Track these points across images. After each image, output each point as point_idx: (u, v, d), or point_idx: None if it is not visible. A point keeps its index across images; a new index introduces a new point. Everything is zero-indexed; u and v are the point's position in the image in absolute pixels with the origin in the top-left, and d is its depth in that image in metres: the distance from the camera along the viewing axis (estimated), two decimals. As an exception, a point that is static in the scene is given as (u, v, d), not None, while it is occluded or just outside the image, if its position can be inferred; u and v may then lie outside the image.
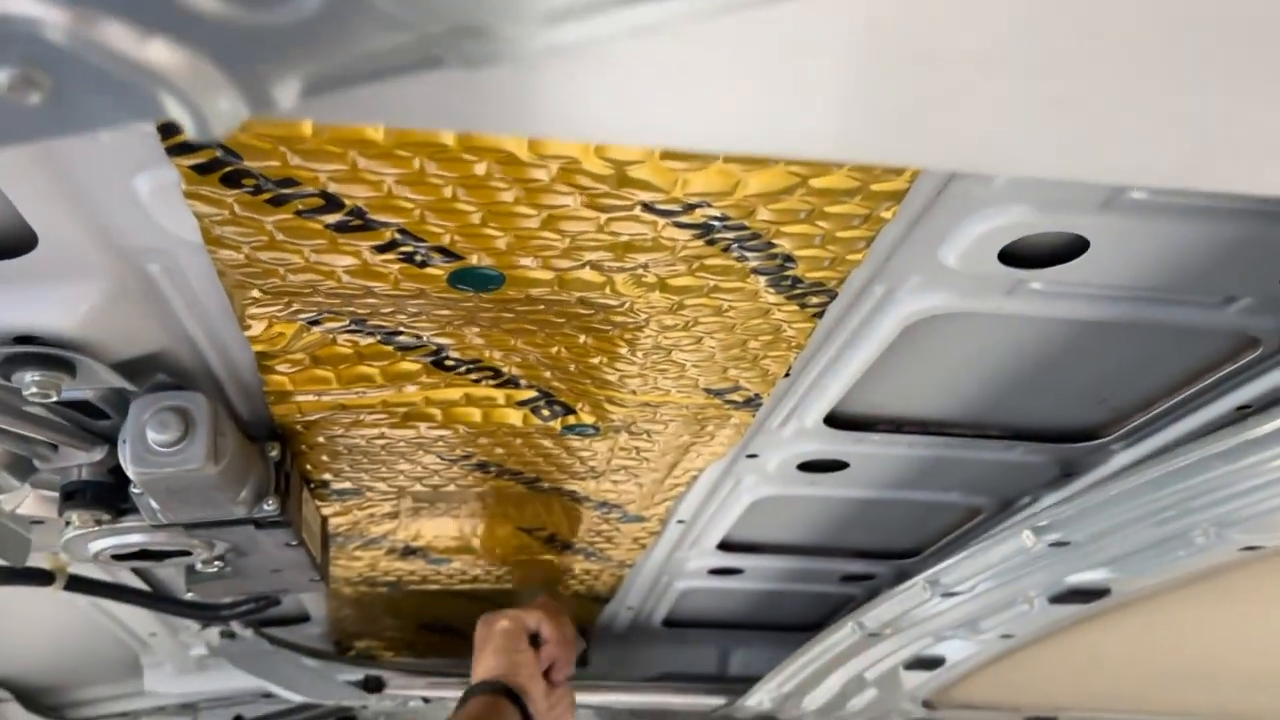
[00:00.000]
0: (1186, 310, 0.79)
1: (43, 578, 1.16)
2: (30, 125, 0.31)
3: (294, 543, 1.00)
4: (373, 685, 1.74)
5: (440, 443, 1.02)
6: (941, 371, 0.95)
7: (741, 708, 1.81)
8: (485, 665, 1.33)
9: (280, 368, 0.84)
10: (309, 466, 1.05)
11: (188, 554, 1.00)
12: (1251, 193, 0.33)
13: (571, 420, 0.98)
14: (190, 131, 0.30)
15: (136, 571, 1.34)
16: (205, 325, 0.78)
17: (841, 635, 1.34)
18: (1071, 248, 0.70)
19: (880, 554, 1.46)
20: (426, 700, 1.83)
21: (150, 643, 1.70)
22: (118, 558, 0.98)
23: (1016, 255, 0.71)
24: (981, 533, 1.27)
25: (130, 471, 0.80)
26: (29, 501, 1.00)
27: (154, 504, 0.88)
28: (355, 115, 0.34)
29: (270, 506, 0.93)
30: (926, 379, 0.97)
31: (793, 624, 1.81)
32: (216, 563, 1.05)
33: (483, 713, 1.25)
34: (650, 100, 0.32)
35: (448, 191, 0.60)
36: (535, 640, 1.36)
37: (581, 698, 1.93)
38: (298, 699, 1.74)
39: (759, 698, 1.71)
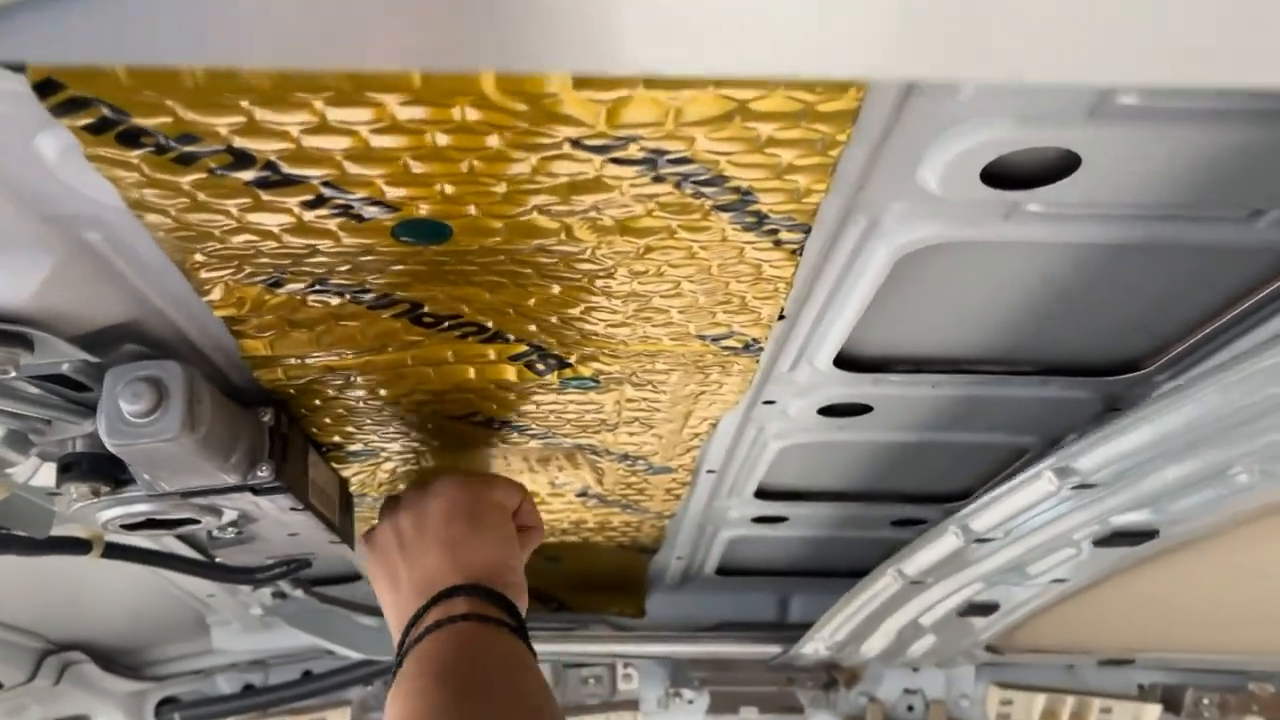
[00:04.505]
0: (1209, 227, 0.71)
1: (80, 546, 1.18)
2: None
3: (299, 507, 0.99)
4: (427, 641, 1.75)
5: (440, 401, 0.99)
6: (957, 306, 0.89)
7: (799, 655, 1.78)
8: (468, 554, 0.92)
9: (253, 332, 0.82)
10: (314, 430, 1.04)
11: (196, 521, 0.99)
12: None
13: (569, 373, 0.95)
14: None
15: (179, 536, 1.36)
16: (167, 293, 0.76)
17: (884, 583, 1.29)
18: (1064, 164, 0.63)
19: (929, 498, 1.40)
20: (480, 654, 1.84)
21: (210, 603, 1.74)
22: (127, 527, 0.98)
23: (1004, 176, 0.65)
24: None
25: (107, 443, 0.79)
26: (44, 473, 1.01)
27: (145, 474, 0.88)
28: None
29: (264, 472, 0.92)
30: (943, 315, 0.91)
31: (850, 569, 1.76)
32: (231, 529, 1.05)
33: (472, 646, 0.84)
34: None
35: (359, 138, 0.56)
36: None
37: (640, 648, 1.93)
38: (354, 655, 1.76)
39: (814, 645, 1.68)
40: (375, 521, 1.05)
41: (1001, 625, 1.53)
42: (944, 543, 1.08)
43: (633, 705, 2.03)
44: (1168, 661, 2.05)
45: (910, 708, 2.08)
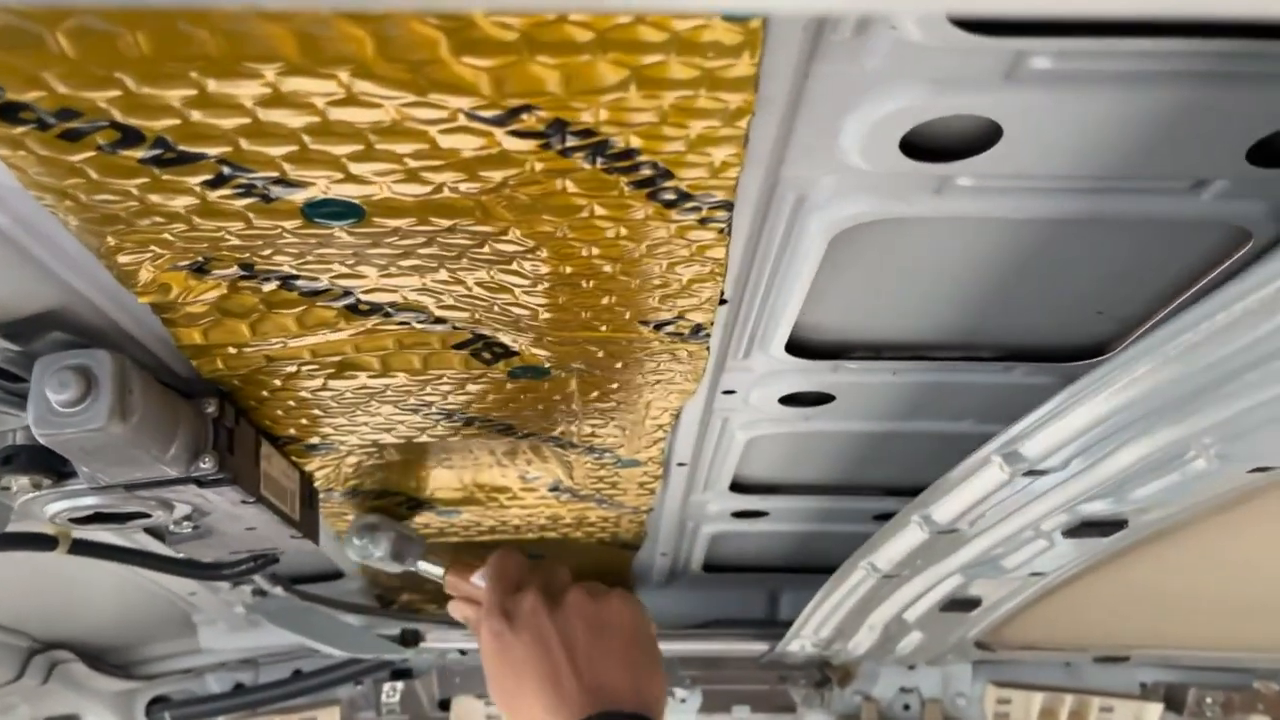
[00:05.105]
0: (1152, 200, 0.68)
1: (46, 543, 1.17)
2: None
3: (249, 499, 0.98)
4: (409, 639, 1.74)
5: (390, 392, 0.98)
6: (906, 288, 0.87)
7: (787, 653, 1.75)
8: (645, 683, 1.01)
9: (185, 321, 0.81)
10: (268, 423, 1.02)
11: (147, 515, 0.98)
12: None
13: (516, 363, 0.93)
14: None
15: (150, 531, 1.35)
16: (92, 280, 0.75)
17: (857, 577, 1.26)
18: (986, 135, 0.61)
19: (908, 490, 1.37)
20: (463, 653, 1.83)
21: (193, 601, 1.73)
22: (75, 521, 0.97)
23: (928, 148, 0.63)
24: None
25: (35, 433, 0.78)
26: (-5, 468, 1.00)
27: (83, 466, 0.87)
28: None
29: (207, 464, 0.91)
30: (893, 298, 0.88)
31: (838, 566, 1.73)
32: (185, 523, 1.04)
33: None
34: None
35: (248, 112, 0.55)
36: None
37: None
38: (338, 654, 1.75)
39: (800, 643, 1.66)
40: (500, 598, 1.12)
41: (988, 621, 1.50)
42: (908, 533, 1.06)
43: (624, 704, 2.01)
44: (1169, 659, 2.01)
45: (906, 706, 2.06)
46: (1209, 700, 2.01)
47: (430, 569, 1.27)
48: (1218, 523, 1.08)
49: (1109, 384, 0.69)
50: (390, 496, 1.32)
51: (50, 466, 0.90)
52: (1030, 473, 0.84)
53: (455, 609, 1.25)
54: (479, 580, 1.23)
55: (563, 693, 0.98)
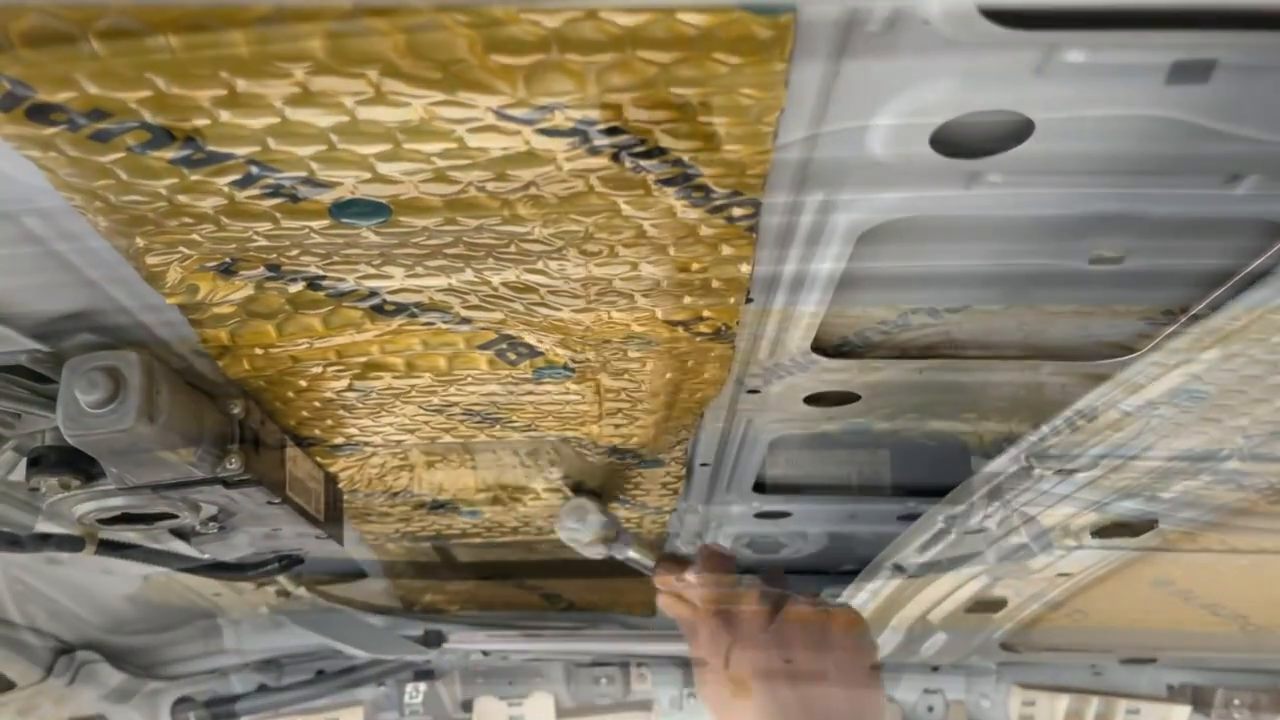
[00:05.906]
0: (1185, 196, 0.67)
1: (73, 544, 1.18)
2: None
3: (275, 500, 0.98)
4: (432, 640, 1.74)
5: (414, 392, 0.98)
6: (933, 286, 0.86)
7: (809, 655, 1.74)
8: (846, 692, 1.04)
9: (211, 322, 0.81)
10: (293, 424, 1.02)
11: (174, 516, 0.99)
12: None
13: (540, 363, 0.93)
14: None
15: (176, 532, 1.35)
16: (120, 281, 0.75)
17: (882, 578, 1.26)
18: (1018, 130, 0.60)
19: (932, 491, 1.36)
20: (485, 653, 1.83)
21: (218, 602, 1.74)
22: (102, 522, 0.97)
23: (958, 144, 0.62)
24: (1030, 464, 1.17)
25: (64, 433, 0.79)
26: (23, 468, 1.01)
27: (111, 467, 0.87)
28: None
29: (233, 465, 0.91)
30: (919, 296, 0.88)
31: (860, 568, 1.72)
32: (211, 524, 1.04)
33: None
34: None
35: (277, 112, 0.55)
36: None
37: (652, 647, 1.91)
38: (361, 654, 1.76)
39: (823, 644, 1.64)
40: None
41: (1013, 623, 1.49)
42: (936, 533, 1.05)
43: (646, 706, 2.01)
44: (1197, 661, 1.99)
45: (930, 708, 2.04)
46: (1236, 701, 1.99)
47: (640, 559, 1.27)
48: (1246, 522, 1.07)
49: (1140, 382, 0.69)
50: (414, 496, 1.32)
51: (79, 467, 0.90)
52: (1061, 471, 0.84)
53: (666, 604, 1.24)
54: (691, 578, 1.23)
55: (783, 707, 1.00)
